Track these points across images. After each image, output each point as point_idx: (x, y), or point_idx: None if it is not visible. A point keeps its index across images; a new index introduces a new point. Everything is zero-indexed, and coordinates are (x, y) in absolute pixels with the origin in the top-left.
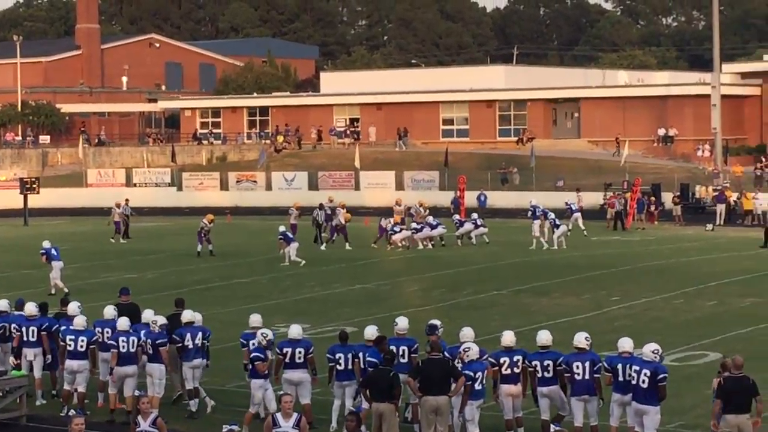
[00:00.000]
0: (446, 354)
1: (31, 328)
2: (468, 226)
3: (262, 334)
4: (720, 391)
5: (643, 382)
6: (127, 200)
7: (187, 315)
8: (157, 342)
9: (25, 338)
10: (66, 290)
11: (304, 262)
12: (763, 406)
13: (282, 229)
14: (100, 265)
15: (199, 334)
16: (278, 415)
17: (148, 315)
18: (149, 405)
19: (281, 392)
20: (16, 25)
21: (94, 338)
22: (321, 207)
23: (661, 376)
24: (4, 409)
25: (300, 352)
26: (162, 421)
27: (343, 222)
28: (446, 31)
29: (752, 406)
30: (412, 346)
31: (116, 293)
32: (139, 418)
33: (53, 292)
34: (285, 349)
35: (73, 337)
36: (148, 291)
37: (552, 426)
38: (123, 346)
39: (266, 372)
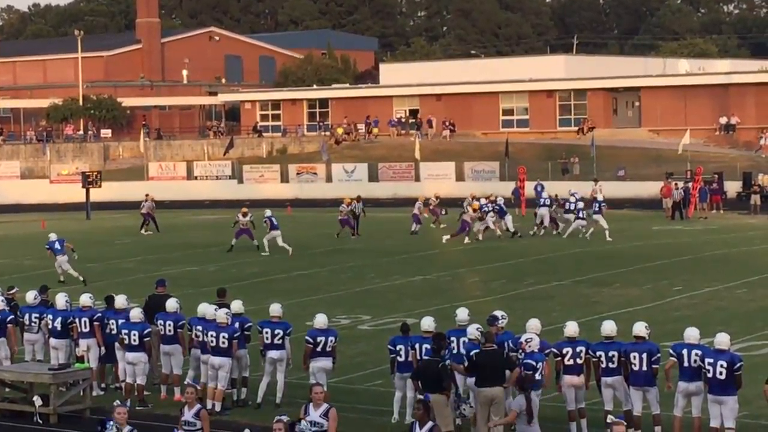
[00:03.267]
0: (511, 344)
1: (83, 319)
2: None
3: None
4: None
5: (720, 373)
6: (147, 195)
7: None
8: (235, 336)
9: (79, 329)
10: (82, 278)
11: (291, 249)
12: None
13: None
14: (162, 258)
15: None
16: (309, 405)
17: (171, 304)
18: (194, 396)
19: (312, 382)
20: (77, 20)
21: (147, 330)
22: (359, 199)
23: (738, 365)
24: (68, 402)
25: (332, 341)
26: (206, 413)
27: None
28: (505, 21)
29: None
30: None
31: (177, 286)
32: (185, 408)
33: (62, 279)
34: (319, 339)
35: (126, 330)
36: (210, 284)
37: (609, 417)
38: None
39: None
